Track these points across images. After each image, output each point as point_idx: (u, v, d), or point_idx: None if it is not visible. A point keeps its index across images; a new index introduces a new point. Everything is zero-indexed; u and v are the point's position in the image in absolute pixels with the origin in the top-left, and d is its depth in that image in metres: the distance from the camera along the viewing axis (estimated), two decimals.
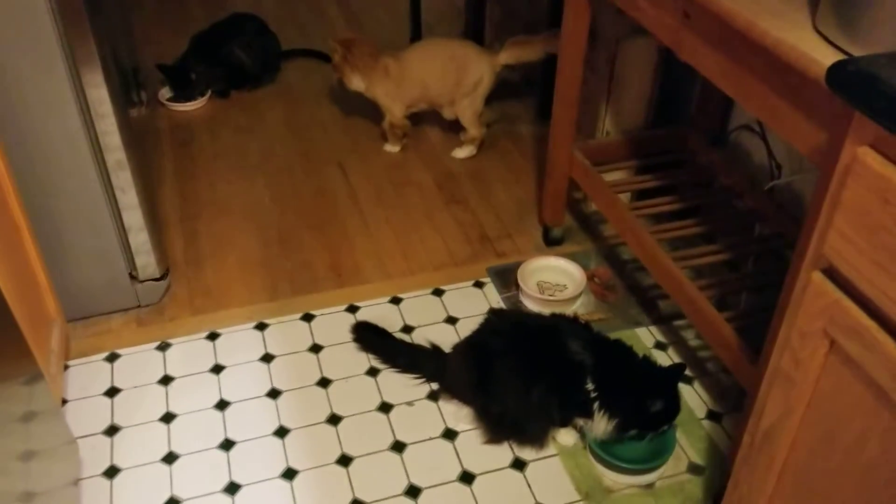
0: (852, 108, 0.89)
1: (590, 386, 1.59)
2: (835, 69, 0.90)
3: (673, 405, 1.63)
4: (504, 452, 1.72)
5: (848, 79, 0.88)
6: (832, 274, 0.96)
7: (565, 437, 1.72)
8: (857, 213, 0.89)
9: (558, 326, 1.70)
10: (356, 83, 2.62)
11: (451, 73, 2.55)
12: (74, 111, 1.72)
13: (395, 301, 2.10)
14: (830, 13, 1.13)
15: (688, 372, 1.90)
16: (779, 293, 1.38)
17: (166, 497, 1.63)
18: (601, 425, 1.61)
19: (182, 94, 2.93)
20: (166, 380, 1.88)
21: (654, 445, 1.65)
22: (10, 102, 1.65)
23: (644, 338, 1.99)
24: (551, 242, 2.30)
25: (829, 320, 0.97)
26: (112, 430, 1.76)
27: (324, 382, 1.87)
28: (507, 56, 2.55)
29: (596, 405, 1.59)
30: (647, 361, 1.66)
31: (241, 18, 3.05)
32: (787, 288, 1.33)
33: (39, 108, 1.69)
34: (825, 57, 1.10)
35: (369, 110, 2.76)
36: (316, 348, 1.96)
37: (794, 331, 1.04)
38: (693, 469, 1.69)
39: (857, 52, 1.08)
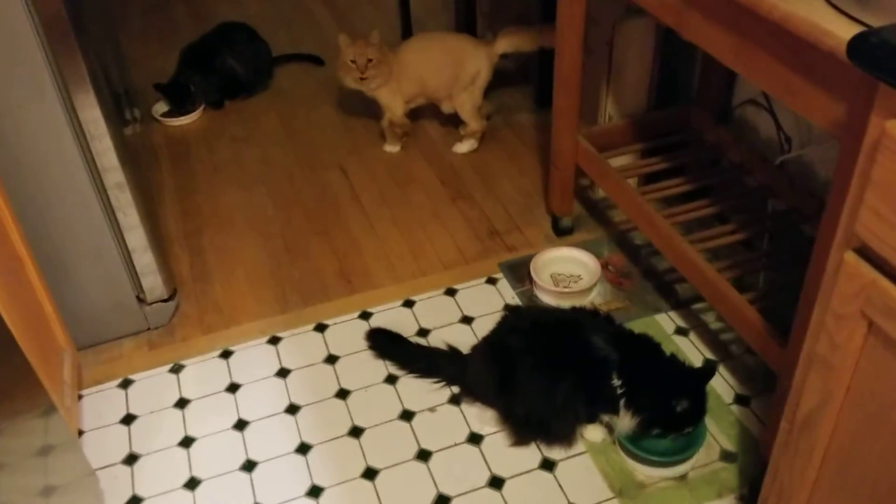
0: (877, 81, 0.85)
1: (615, 381, 1.56)
2: (857, 42, 0.86)
3: (699, 407, 1.58)
4: (532, 454, 1.69)
5: (871, 51, 0.84)
6: (866, 253, 0.93)
7: (593, 433, 1.69)
8: (890, 188, 0.85)
9: (579, 321, 1.67)
10: (376, 83, 2.50)
11: (447, 67, 2.51)
12: (69, 134, 1.68)
13: (408, 304, 2.07)
14: None
15: (712, 356, 1.87)
16: (798, 270, 1.34)
17: None
18: (625, 421, 1.58)
19: (180, 109, 2.89)
20: (182, 402, 1.84)
21: (684, 436, 1.61)
22: (2, 131, 1.62)
23: (664, 324, 1.95)
24: (561, 232, 2.26)
25: (866, 301, 0.93)
26: (131, 459, 1.73)
27: (342, 394, 1.84)
28: (503, 45, 2.51)
29: (622, 401, 1.56)
30: (676, 360, 1.61)
31: (230, 27, 3.01)
32: (816, 269, 1.29)
33: (33, 134, 1.65)
34: (839, 28, 1.06)
35: (366, 110, 2.73)
36: (331, 359, 1.92)
37: (828, 314, 1.01)
38: (726, 456, 1.65)
39: (871, 20, 1.04)
